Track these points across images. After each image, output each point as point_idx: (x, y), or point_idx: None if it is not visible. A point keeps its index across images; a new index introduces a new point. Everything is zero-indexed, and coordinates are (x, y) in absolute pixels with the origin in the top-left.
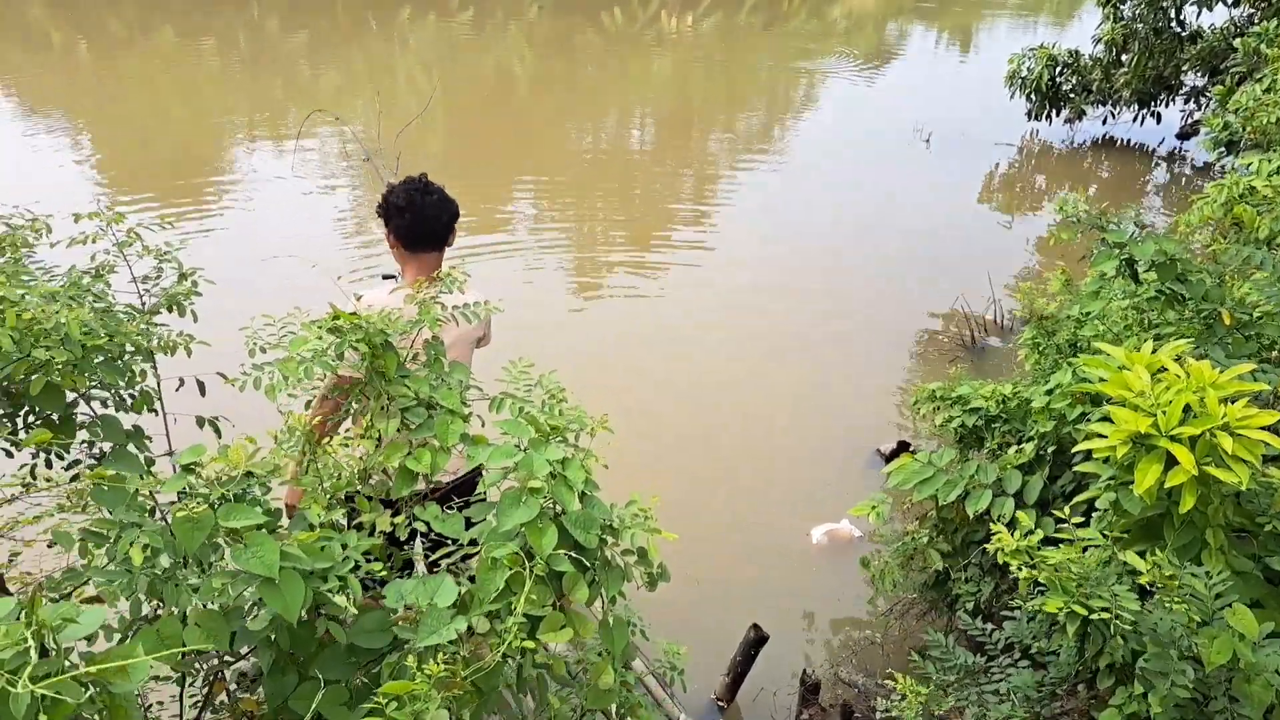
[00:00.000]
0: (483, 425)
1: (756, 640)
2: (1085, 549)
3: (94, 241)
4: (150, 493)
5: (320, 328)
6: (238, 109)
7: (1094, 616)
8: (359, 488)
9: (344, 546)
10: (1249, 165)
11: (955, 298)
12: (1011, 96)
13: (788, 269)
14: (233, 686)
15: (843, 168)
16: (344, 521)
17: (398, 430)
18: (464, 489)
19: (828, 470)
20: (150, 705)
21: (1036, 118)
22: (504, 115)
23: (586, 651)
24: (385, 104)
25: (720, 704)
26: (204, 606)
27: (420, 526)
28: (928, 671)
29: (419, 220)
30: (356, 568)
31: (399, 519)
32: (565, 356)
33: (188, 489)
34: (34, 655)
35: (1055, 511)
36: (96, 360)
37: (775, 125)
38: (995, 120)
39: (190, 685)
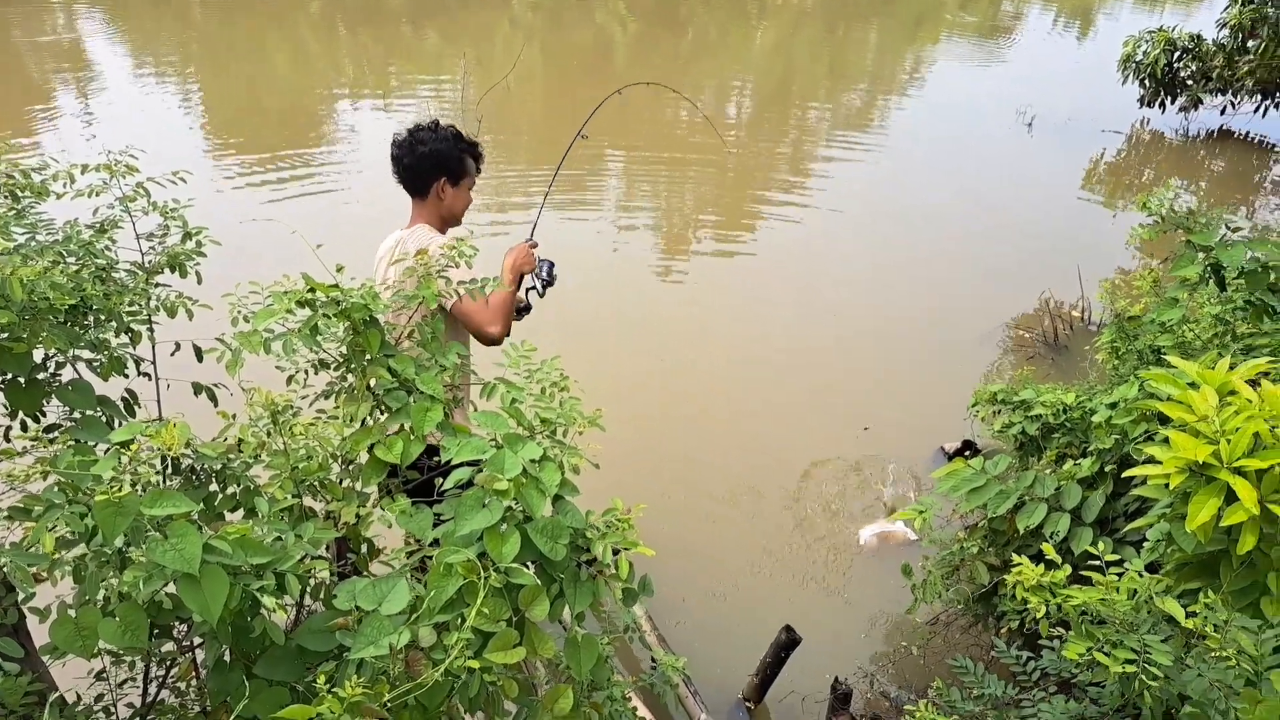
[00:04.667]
0: None
1: (788, 643)
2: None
3: (96, 195)
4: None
5: (290, 299)
6: (341, 67)
7: (1116, 669)
8: (333, 474)
9: (300, 538)
10: None
11: (1042, 291)
12: (1124, 82)
13: (873, 254)
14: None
15: (938, 151)
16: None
17: (378, 414)
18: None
19: (888, 466)
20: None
21: (1149, 105)
22: (600, 82)
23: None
24: (483, 69)
25: (748, 705)
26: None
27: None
28: (953, 700)
29: (392, 161)
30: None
31: (365, 511)
32: (635, 328)
33: (118, 469)
34: None
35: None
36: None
37: (875, 103)
38: (1105, 106)
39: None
